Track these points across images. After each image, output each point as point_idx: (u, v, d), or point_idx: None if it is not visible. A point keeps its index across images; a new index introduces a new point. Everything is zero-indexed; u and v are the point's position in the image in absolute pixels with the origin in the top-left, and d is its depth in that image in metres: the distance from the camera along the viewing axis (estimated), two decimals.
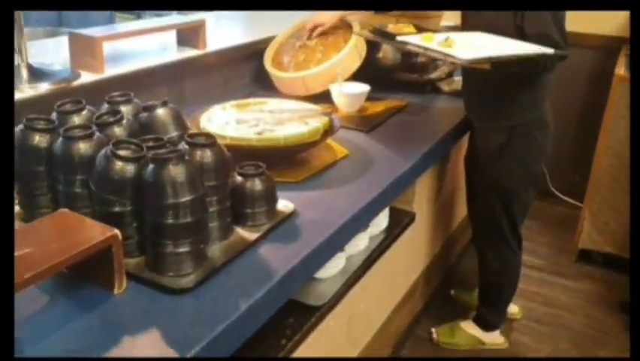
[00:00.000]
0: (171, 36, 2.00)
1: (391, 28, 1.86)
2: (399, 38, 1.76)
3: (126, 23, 2.91)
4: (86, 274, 0.99)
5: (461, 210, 2.61)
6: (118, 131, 1.14)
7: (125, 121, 1.16)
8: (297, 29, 2.21)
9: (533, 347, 2.28)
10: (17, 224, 1.13)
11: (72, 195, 1.07)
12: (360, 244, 1.62)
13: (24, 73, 1.48)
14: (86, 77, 1.59)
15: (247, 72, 2.19)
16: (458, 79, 2.14)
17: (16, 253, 0.87)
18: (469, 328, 2.25)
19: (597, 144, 2.65)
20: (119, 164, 1.00)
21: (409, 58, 2.17)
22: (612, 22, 3.04)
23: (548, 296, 2.57)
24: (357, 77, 2.02)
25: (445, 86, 2.23)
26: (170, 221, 0.98)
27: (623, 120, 2.50)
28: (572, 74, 3.04)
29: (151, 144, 1.07)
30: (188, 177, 0.98)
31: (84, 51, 1.64)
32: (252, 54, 2.18)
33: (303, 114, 1.57)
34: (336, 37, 2.10)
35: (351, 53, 2.02)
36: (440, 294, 2.49)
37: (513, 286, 2.17)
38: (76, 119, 1.16)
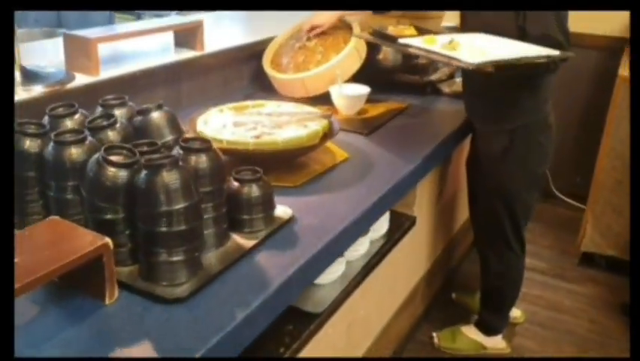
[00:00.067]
0: (169, 37, 1.98)
1: (392, 30, 1.84)
2: (401, 41, 1.73)
3: (122, 24, 2.90)
4: (77, 284, 0.96)
5: (462, 213, 2.58)
6: (111, 135, 1.11)
7: (118, 125, 1.14)
8: (296, 30, 2.18)
9: (536, 351, 2.25)
10: None
11: (63, 201, 1.04)
12: (360, 248, 1.59)
13: (17, 75, 1.45)
14: (81, 80, 1.56)
15: (246, 74, 2.17)
16: (459, 80, 2.12)
17: None
18: (471, 332, 2.22)
19: (600, 146, 2.63)
20: (111, 170, 0.97)
21: (409, 59, 2.15)
22: (615, 23, 3.01)
23: (551, 300, 2.55)
24: (357, 78, 1.99)
25: (445, 88, 2.21)
26: (163, 229, 0.95)
27: (626, 122, 2.46)
28: (574, 75, 3.01)
29: (145, 148, 1.05)
30: (182, 183, 0.95)
31: (79, 52, 1.61)
32: (250, 55, 2.15)
33: (301, 117, 1.54)
34: (336, 39, 2.07)
35: (351, 54, 1.99)
36: (441, 298, 2.47)
37: (516, 290, 2.15)
38: (69, 123, 1.13)
